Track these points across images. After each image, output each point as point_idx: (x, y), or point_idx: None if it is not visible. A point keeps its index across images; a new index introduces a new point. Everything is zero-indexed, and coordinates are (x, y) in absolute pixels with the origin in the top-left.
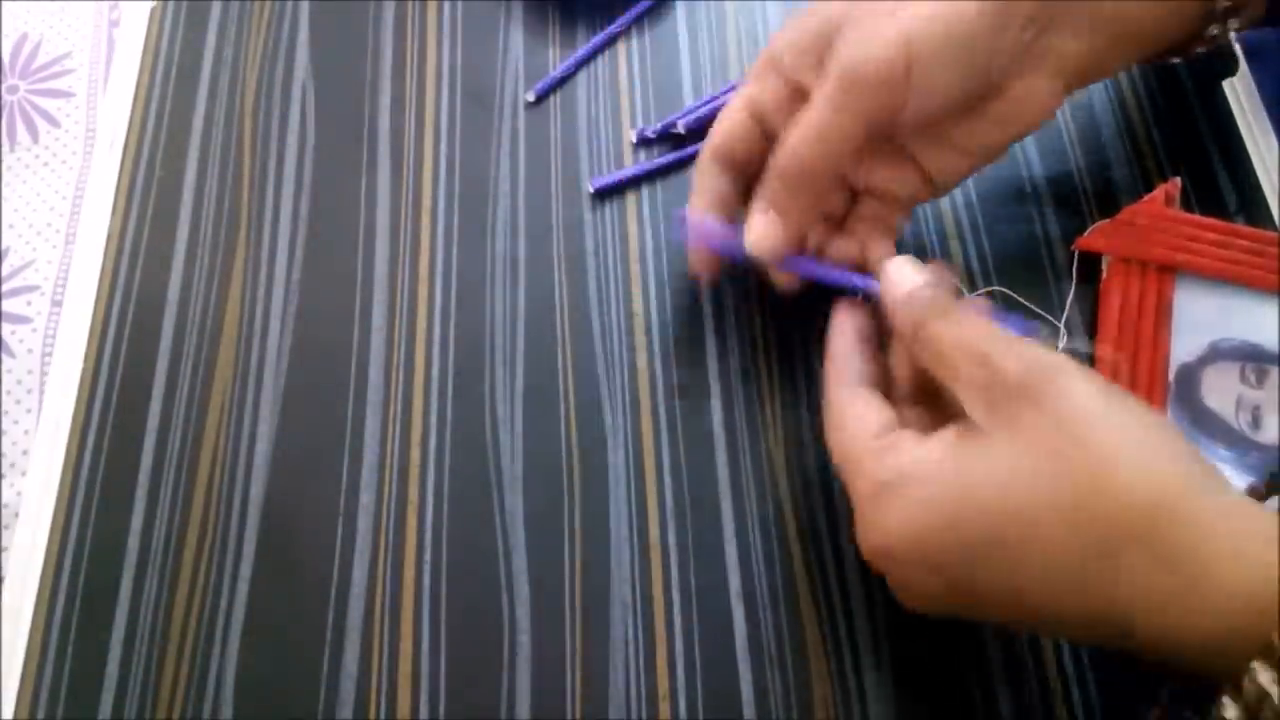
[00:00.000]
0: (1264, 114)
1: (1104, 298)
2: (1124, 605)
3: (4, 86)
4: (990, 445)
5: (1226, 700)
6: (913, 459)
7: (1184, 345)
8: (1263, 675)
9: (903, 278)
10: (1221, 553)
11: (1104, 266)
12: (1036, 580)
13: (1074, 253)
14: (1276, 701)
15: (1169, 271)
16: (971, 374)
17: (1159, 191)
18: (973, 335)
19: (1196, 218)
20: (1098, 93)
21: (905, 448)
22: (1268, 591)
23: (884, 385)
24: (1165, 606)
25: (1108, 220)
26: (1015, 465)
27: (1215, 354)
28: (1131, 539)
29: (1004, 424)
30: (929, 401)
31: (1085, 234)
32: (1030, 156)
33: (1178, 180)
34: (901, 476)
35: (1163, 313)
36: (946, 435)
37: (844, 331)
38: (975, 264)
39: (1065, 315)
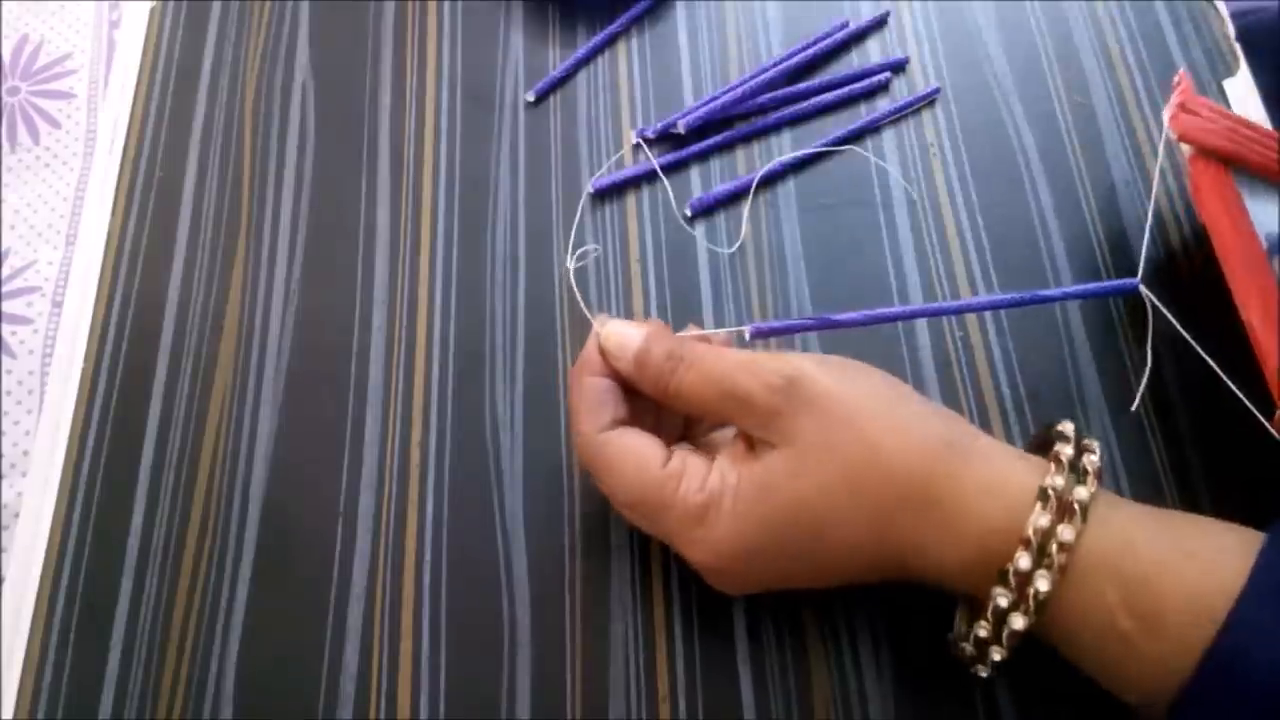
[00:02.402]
0: (1263, 110)
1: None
2: (898, 551)
3: (5, 88)
4: (776, 455)
5: (981, 622)
6: (716, 478)
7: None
8: (1001, 599)
9: (624, 344)
10: (969, 500)
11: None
12: (833, 550)
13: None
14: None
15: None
16: (731, 409)
17: (1183, 81)
18: (713, 376)
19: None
20: (1099, 92)
21: (697, 471)
22: (1003, 527)
23: (635, 421)
24: (929, 548)
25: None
26: (801, 465)
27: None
28: (900, 501)
29: (780, 437)
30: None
31: (1171, 117)
32: (1030, 154)
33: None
34: (712, 496)
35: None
36: (741, 457)
37: (589, 382)
38: (975, 260)
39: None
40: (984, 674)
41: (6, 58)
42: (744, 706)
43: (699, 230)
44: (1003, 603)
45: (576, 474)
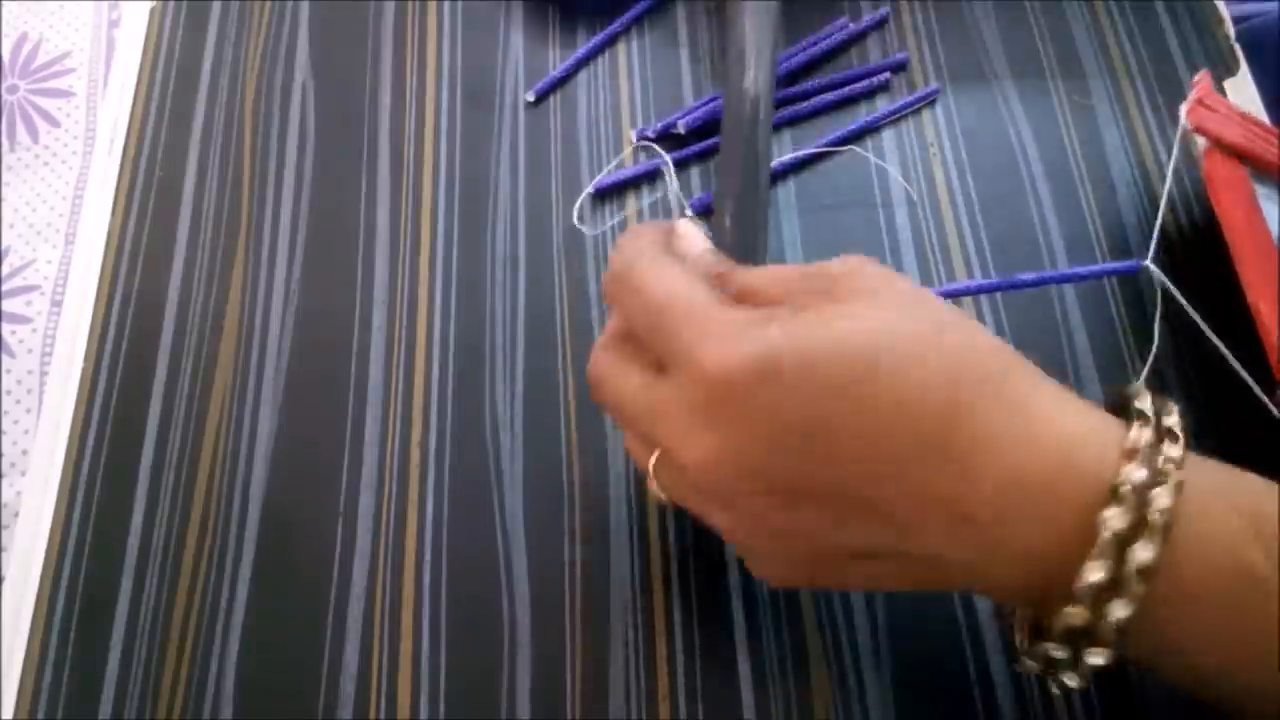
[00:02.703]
0: (1264, 114)
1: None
2: (968, 446)
3: (4, 86)
4: (852, 305)
5: (1089, 564)
6: (775, 308)
7: None
8: (1115, 520)
9: (695, 236)
10: (1055, 405)
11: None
12: (890, 421)
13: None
14: (1138, 554)
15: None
16: (800, 286)
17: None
18: (781, 270)
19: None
20: (1099, 92)
21: (745, 309)
22: (1098, 436)
23: None
24: (1007, 447)
25: (1197, 102)
26: (881, 314)
27: None
28: (984, 378)
29: (852, 293)
30: None
31: (1189, 110)
32: (1030, 154)
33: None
34: (765, 313)
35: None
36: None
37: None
38: (975, 260)
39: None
40: (1075, 684)
41: (6, 56)
42: (744, 706)
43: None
44: (1098, 576)
45: (577, 474)
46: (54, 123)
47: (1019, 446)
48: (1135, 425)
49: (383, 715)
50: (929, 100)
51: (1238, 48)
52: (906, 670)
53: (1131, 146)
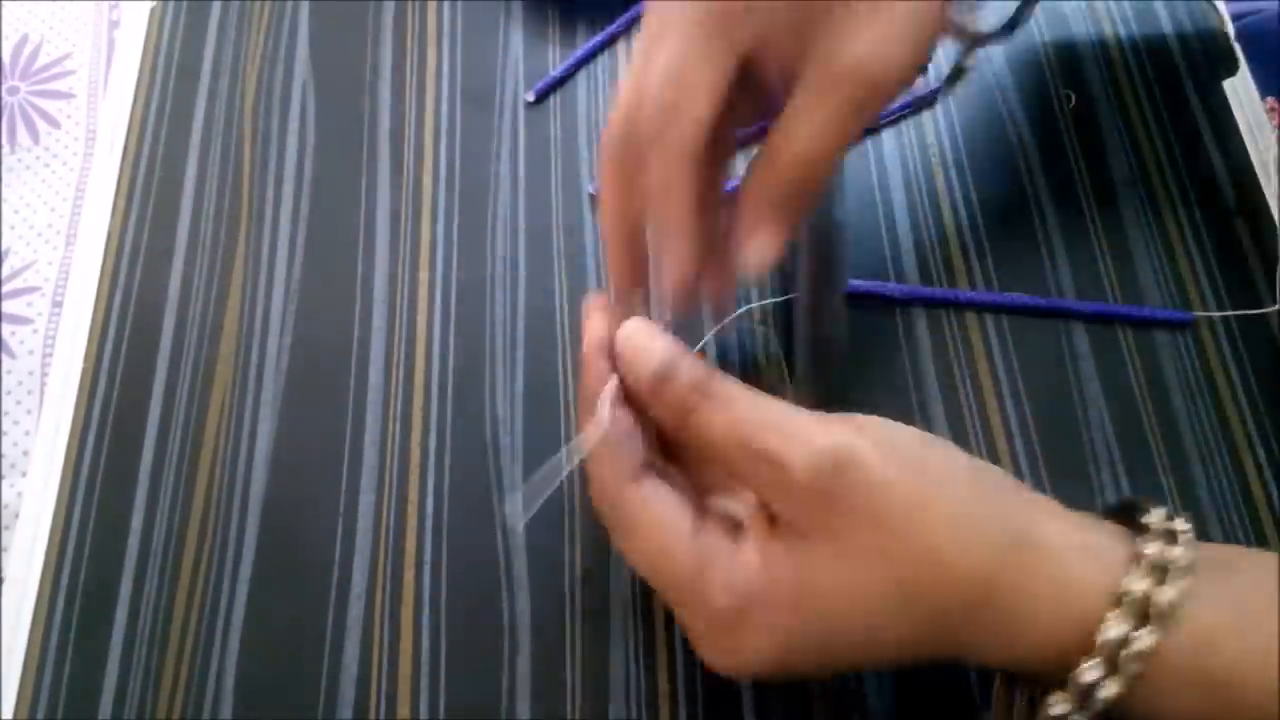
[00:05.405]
0: (1264, 113)
1: None
2: (953, 650)
3: (4, 88)
4: (814, 551)
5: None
6: (745, 579)
7: None
8: (1061, 705)
9: (646, 354)
10: (1038, 608)
11: None
12: (881, 651)
13: None
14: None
15: None
16: (759, 474)
17: None
18: (745, 428)
19: None
20: (1098, 89)
21: (723, 563)
22: (1075, 639)
23: (653, 445)
24: (989, 651)
25: None
26: (847, 569)
27: None
28: (961, 611)
29: (818, 528)
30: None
31: None
32: (1030, 150)
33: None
34: (741, 601)
35: None
36: (769, 543)
37: (610, 410)
38: (975, 260)
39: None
40: None
41: (6, 58)
42: (744, 706)
43: None
44: (1060, 710)
45: (576, 473)
46: (54, 124)
47: (999, 652)
48: (1103, 623)
49: (383, 715)
50: (929, 101)
51: (1238, 47)
52: (907, 670)
53: (1130, 146)
